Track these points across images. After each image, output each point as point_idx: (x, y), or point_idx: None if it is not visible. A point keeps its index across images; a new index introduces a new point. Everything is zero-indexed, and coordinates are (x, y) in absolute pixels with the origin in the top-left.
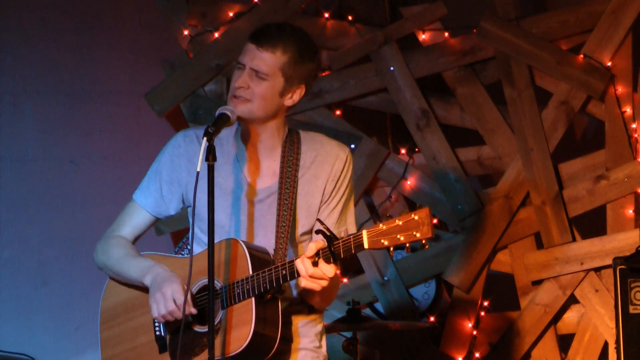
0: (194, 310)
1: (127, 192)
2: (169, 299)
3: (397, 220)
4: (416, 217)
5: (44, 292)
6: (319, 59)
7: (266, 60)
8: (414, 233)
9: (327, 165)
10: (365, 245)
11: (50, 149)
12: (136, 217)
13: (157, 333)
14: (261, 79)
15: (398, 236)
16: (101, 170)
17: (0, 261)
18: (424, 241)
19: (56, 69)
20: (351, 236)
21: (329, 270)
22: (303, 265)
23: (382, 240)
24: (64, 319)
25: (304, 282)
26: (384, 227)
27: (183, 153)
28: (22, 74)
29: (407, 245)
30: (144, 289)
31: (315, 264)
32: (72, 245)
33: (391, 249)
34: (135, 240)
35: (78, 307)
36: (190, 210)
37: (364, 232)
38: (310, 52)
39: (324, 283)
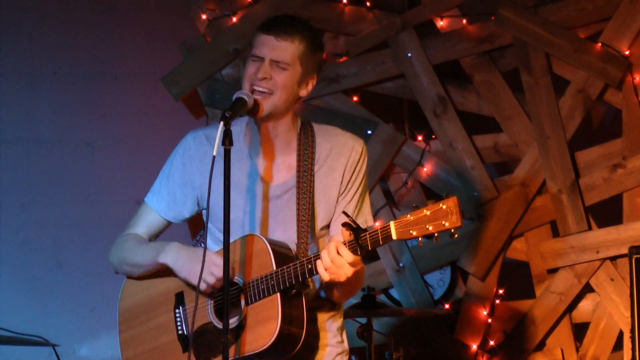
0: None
1: (142, 175)
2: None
3: (424, 210)
4: (444, 207)
5: (59, 274)
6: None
7: (286, 49)
8: (443, 222)
9: (343, 157)
10: (394, 237)
11: (67, 131)
12: (149, 220)
13: (180, 332)
14: (282, 69)
15: (427, 226)
16: (117, 152)
17: (16, 243)
18: (453, 230)
19: (73, 50)
20: (378, 228)
21: (348, 255)
22: (327, 252)
23: (411, 231)
24: (79, 301)
25: (323, 271)
26: (412, 217)
27: (194, 155)
28: (38, 56)
29: (436, 235)
30: (163, 287)
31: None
32: (88, 228)
33: (420, 239)
34: (150, 240)
35: (93, 289)
36: (204, 212)
37: (392, 223)
38: (321, 42)
39: (342, 275)
